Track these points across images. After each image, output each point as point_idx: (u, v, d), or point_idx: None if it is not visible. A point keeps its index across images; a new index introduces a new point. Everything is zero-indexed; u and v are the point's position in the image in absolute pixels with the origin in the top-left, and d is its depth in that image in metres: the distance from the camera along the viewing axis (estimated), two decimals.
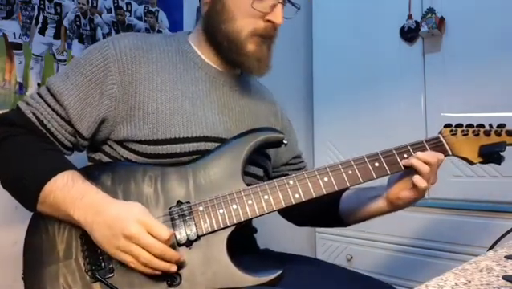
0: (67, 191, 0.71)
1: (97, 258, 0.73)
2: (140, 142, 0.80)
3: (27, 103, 0.80)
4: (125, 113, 0.81)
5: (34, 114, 0.79)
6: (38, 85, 1.22)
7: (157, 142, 0.80)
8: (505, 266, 0.59)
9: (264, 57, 0.86)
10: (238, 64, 0.86)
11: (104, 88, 0.80)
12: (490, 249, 0.72)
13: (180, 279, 0.73)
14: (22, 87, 1.20)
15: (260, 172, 0.93)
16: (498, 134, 0.85)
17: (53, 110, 0.79)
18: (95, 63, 0.81)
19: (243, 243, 0.84)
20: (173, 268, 0.71)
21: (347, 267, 1.21)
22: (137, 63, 0.82)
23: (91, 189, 0.73)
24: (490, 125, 0.88)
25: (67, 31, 1.31)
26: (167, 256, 0.70)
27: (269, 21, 0.82)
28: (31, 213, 0.79)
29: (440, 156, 0.83)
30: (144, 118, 0.80)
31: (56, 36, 1.28)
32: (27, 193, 0.75)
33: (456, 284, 0.51)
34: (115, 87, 0.80)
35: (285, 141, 0.86)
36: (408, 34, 1.68)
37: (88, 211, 0.71)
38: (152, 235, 0.68)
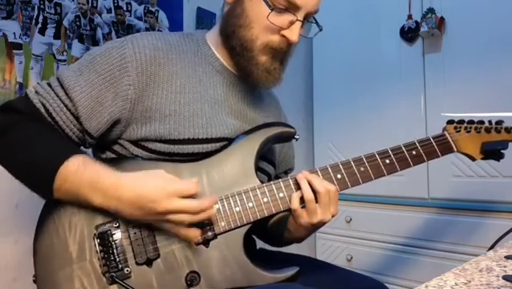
0: (81, 175, 0.70)
1: (113, 260, 0.72)
2: (157, 141, 0.79)
3: (37, 92, 0.77)
4: (140, 114, 0.79)
5: (42, 104, 0.76)
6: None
7: (175, 142, 0.78)
8: (505, 266, 0.59)
9: (274, 70, 0.82)
10: (247, 73, 0.83)
11: (120, 89, 0.77)
12: (490, 249, 0.72)
13: (199, 279, 0.73)
14: (22, 87, 1.20)
15: (265, 179, 0.92)
16: (498, 131, 0.89)
17: (63, 103, 0.76)
18: (111, 62, 0.78)
19: (244, 243, 0.84)
20: (213, 212, 0.73)
21: (346, 267, 1.22)
22: (157, 65, 0.79)
23: (103, 170, 0.72)
24: (490, 122, 0.91)
25: (67, 31, 1.31)
26: (205, 206, 0.70)
27: (284, 36, 0.79)
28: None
29: (331, 187, 0.79)
30: (161, 119, 0.78)
31: (56, 36, 1.28)
32: (41, 181, 0.72)
33: (456, 284, 0.51)
34: (132, 88, 0.77)
35: (296, 136, 0.86)
36: (408, 34, 1.68)
37: (109, 196, 0.70)
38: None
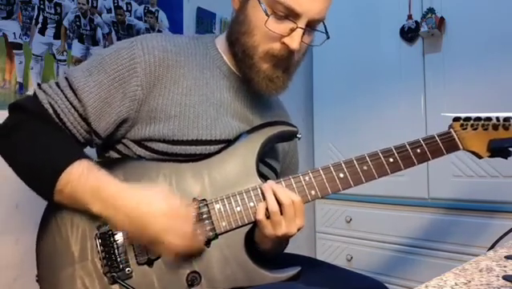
0: (84, 181, 0.70)
1: (115, 260, 0.72)
2: (160, 141, 0.79)
3: (45, 92, 0.78)
4: (145, 114, 0.79)
5: (51, 105, 0.76)
6: (39, 85, 1.22)
7: (179, 142, 0.79)
8: (505, 266, 0.59)
9: (277, 79, 0.81)
10: (248, 79, 0.83)
11: (128, 89, 0.78)
12: (490, 249, 0.72)
13: (200, 279, 0.73)
14: (22, 87, 1.20)
15: None
16: (506, 128, 0.86)
17: (71, 104, 0.77)
18: (120, 62, 0.78)
19: (245, 242, 0.84)
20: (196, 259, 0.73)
21: (346, 267, 1.22)
22: (165, 66, 0.80)
23: (106, 178, 0.71)
24: (498, 118, 0.88)
25: (67, 31, 1.31)
26: (191, 248, 0.71)
27: (284, 43, 0.78)
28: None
29: (296, 198, 0.76)
30: (166, 120, 0.79)
31: (56, 36, 1.28)
32: (43, 183, 0.72)
33: (456, 284, 0.51)
34: (140, 89, 0.78)
35: (299, 135, 0.86)
36: (408, 34, 1.68)
37: (107, 205, 0.69)
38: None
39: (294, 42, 0.77)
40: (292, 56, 0.80)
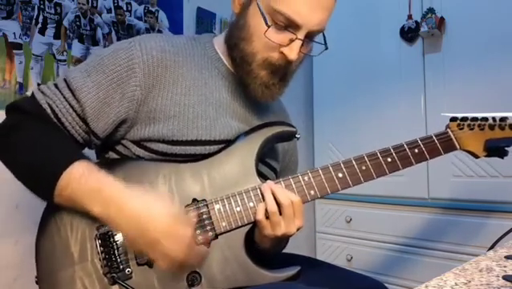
0: (84, 183, 0.69)
1: (115, 261, 0.72)
2: (159, 141, 0.79)
3: (43, 93, 0.77)
4: (145, 115, 0.79)
5: (49, 105, 0.76)
6: (38, 85, 1.22)
7: (178, 143, 0.79)
8: (505, 266, 0.59)
9: (273, 86, 0.82)
10: (244, 84, 0.83)
11: (126, 90, 0.78)
12: (490, 249, 0.72)
13: (201, 279, 0.73)
14: (22, 87, 1.20)
15: None
16: (502, 128, 0.87)
17: (69, 105, 0.76)
18: (118, 63, 0.78)
19: (245, 242, 0.84)
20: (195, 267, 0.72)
21: (346, 267, 1.22)
22: (163, 67, 0.80)
23: (107, 179, 0.70)
24: (494, 119, 0.89)
25: (67, 31, 1.31)
26: (189, 256, 0.70)
27: (283, 53, 0.78)
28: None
29: (295, 198, 0.76)
30: (165, 121, 0.79)
31: (56, 36, 1.28)
32: (43, 183, 0.71)
33: (456, 284, 0.51)
34: (138, 89, 0.78)
35: (297, 135, 0.86)
36: (408, 34, 1.68)
37: (108, 207, 0.68)
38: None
39: (292, 52, 0.77)
40: (290, 65, 0.81)
